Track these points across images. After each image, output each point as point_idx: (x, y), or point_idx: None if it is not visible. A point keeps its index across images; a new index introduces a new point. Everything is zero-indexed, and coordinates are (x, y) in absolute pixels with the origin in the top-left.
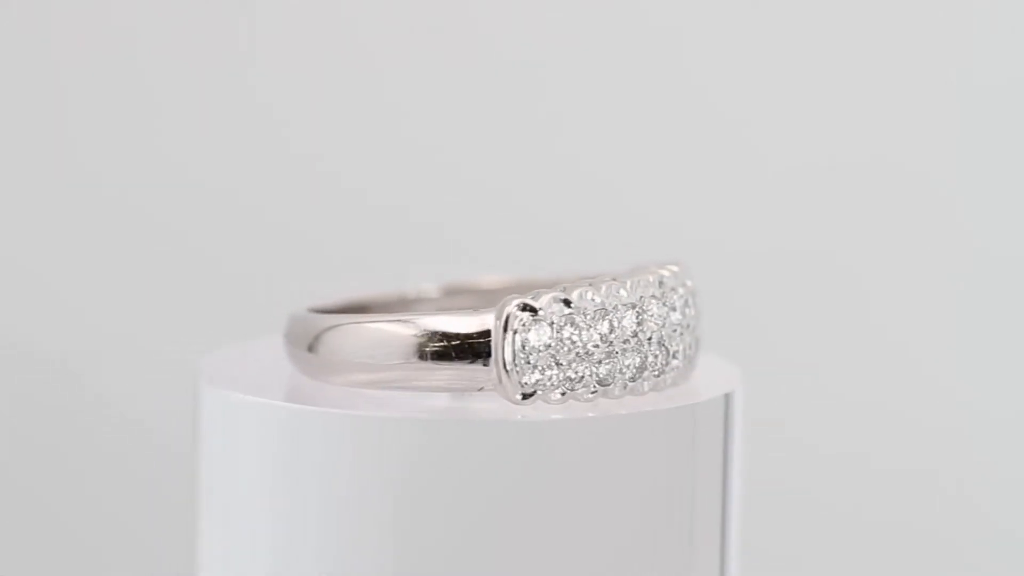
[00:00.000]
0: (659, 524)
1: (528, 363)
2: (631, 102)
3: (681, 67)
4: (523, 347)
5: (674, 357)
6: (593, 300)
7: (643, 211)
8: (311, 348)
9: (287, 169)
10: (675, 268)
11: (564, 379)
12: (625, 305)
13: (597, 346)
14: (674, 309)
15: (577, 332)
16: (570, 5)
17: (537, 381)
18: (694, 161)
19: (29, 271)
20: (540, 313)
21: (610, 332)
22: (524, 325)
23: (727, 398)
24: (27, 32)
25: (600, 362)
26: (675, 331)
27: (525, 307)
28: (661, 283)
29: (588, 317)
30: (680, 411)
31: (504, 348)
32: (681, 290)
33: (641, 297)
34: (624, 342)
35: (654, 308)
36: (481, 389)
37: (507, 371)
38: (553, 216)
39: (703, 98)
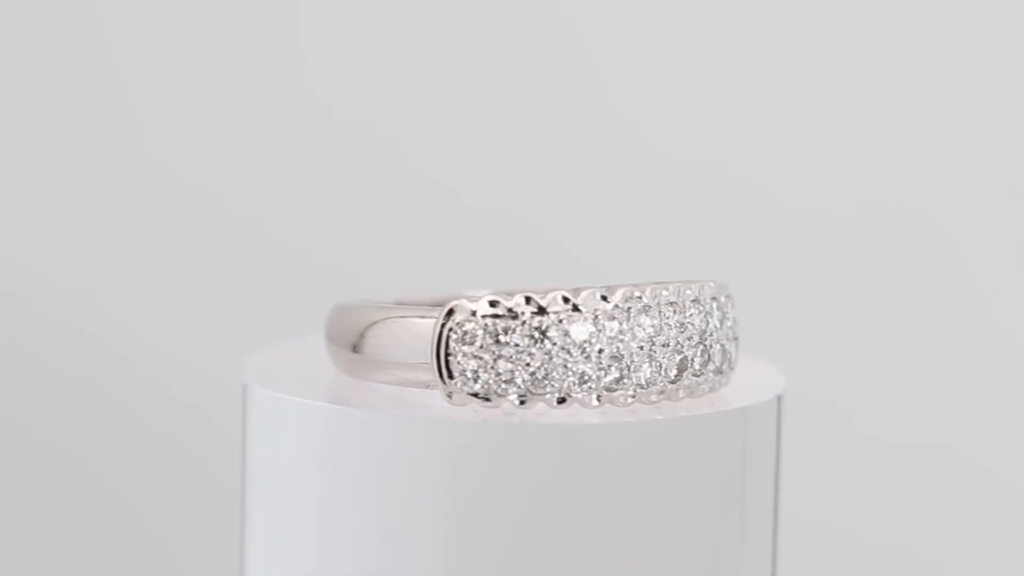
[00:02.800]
0: (700, 530)
1: (459, 362)
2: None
3: (717, 68)
4: (454, 348)
5: (633, 372)
6: (532, 308)
7: (699, 223)
8: (355, 347)
9: (345, 173)
10: (671, 286)
11: (496, 382)
12: (569, 317)
13: (532, 354)
14: (640, 326)
15: (506, 337)
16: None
17: (466, 381)
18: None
19: (88, 267)
20: (475, 316)
21: (547, 340)
22: (459, 325)
23: (746, 411)
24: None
25: (528, 366)
26: (643, 348)
27: (453, 311)
28: (630, 298)
29: (525, 324)
30: (707, 418)
31: (439, 347)
32: (672, 312)
33: (596, 310)
34: (567, 352)
35: (612, 325)
36: (428, 386)
37: (440, 371)
38: (611, 225)
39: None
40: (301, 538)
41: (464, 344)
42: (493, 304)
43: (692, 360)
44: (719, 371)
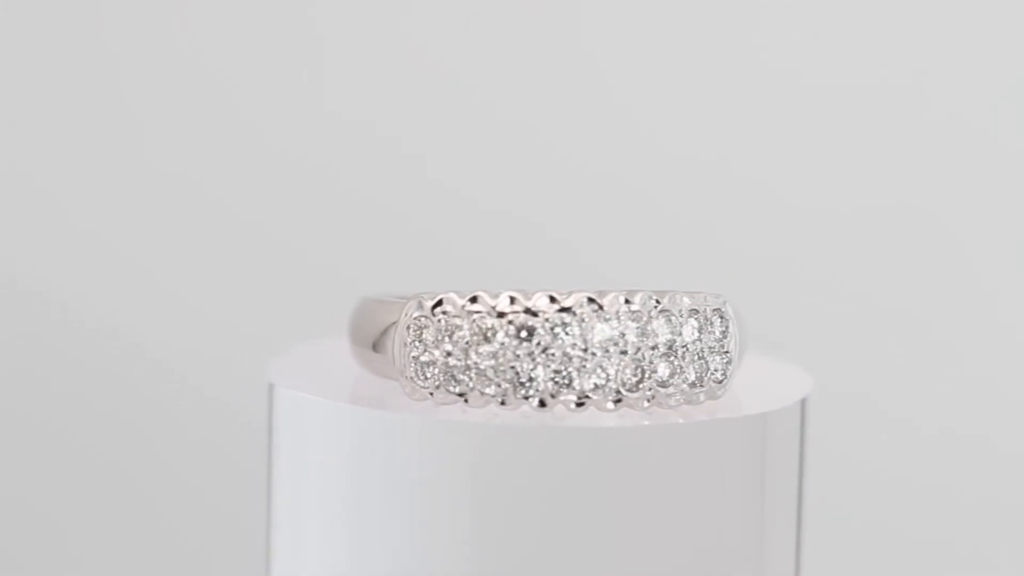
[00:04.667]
0: (720, 535)
1: (413, 357)
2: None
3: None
4: (411, 343)
5: (583, 378)
6: (483, 308)
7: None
8: (375, 346)
9: (378, 174)
10: (639, 295)
11: (445, 379)
12: (519, 319)
13: (480, 352)
14: (594, 332)
15: (457, 334)
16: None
17: (419, 376)
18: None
19: (120, 267)
20: (430, 313)
21: (495, 340)
22: (416, 321)
23: (767, 416)
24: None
25: (476, 364)
26: (596, 354)
27: (410, 310)
28: (583, 304)
29: (474, 323)
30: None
31: (394, 341)
32: (632, 321)
33: (547, 314)
34: (513, 354)
35: (563, 329)
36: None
37: (397, 365)
38: (632, 227)
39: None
40: (326, 540)
41: (419, 340)
42: (444, 303)
43: (654, 370)
44: (696, 384)
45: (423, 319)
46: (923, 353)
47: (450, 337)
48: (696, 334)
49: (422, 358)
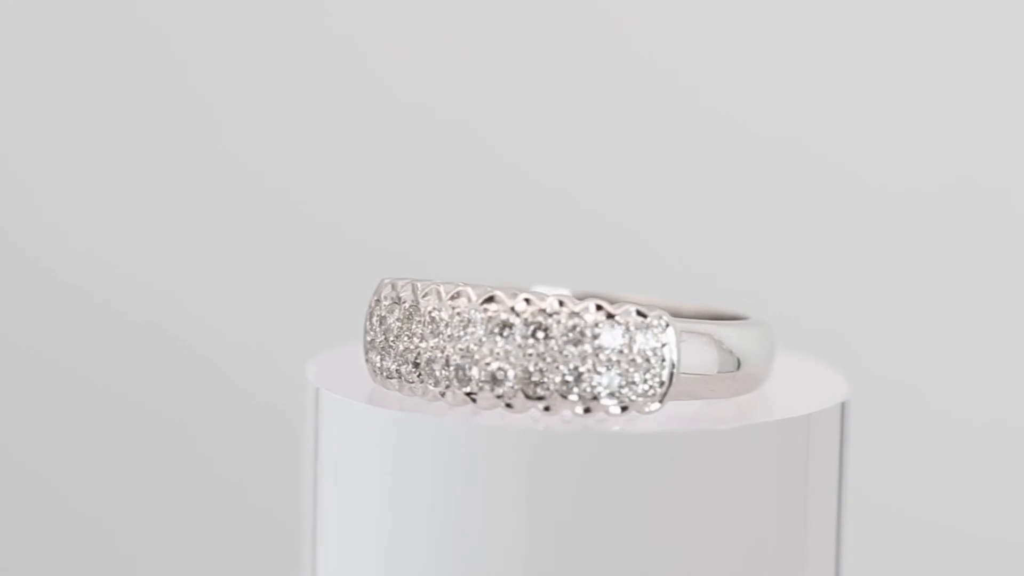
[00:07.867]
0: (754, 543)
1: (367, 342)
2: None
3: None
4: (366, 328)
5: (473, 372)
6: (410, 295)
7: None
8: None
9: (433, 168)
10: (548, 300)
11: (382, 364)
12: (425, 306)
13: (401, 338)
14: (484, 329)
15: (389, 320)
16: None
17: (369, 360)
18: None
19: (168, 264)
20: (378, 299)
21: (412, 330)
22: (372, 306)
23: (810, 418)
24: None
25: (401, 351)
26: (492, 351)
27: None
28: (475, 304)
29: (396, 311)
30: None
31: (365, 334)
32: (532, 328)
33: (454, 308)
34: (425, 342)
35: (454, 323)
36: None
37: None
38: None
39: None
40: (366, 542)
41: (370, 325)
42: (386, 290)
43: (560, 376)
44: (613, 395)
45: (375, 303)
46: (965, 346)
47: (385, 323)
48: (615, 344)
49: (371, 341)
